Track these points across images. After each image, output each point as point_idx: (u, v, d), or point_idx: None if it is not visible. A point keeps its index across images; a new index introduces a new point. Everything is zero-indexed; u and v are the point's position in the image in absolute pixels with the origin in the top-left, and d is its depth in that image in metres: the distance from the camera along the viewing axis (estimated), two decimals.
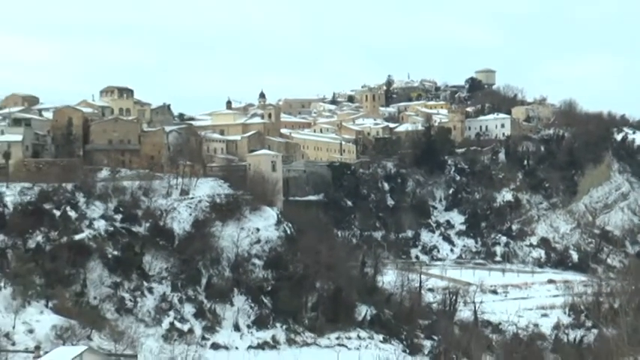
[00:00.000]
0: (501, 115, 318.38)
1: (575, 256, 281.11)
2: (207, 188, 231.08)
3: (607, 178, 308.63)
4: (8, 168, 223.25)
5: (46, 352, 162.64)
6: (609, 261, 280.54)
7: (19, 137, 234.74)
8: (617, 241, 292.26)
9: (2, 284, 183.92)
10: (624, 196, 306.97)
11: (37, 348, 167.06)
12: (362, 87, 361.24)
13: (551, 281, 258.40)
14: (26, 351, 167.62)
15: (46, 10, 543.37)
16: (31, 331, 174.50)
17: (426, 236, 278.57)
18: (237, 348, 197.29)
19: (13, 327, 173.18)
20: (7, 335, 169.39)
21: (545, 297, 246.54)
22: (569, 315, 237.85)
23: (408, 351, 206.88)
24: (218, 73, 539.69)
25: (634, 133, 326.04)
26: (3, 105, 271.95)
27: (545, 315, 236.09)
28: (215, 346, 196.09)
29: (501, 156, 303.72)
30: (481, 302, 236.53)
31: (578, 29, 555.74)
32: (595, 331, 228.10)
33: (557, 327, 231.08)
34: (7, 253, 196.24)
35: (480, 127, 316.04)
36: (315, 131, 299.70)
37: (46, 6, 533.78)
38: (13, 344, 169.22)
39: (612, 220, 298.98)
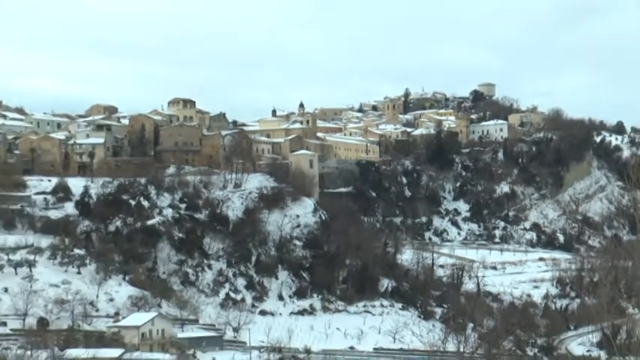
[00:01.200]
0: (500, 122, 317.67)
1: (561, 238, 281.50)
2: (256, 182, 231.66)
3: (588, 173, 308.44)
4: (93, 165, 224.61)
5: (124, 317, 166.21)
6: (590, 242, 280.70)
7: (102, 140, 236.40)
8: (596, 226, 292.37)
9: (88, 261, 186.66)
10: (602, 188, 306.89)
11: (117, 314, 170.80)
12: (384, 98, 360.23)
13: (541, 259, 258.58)
14: (107, 316, 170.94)
15: (127, 36, 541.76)
16: (111, 300, 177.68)
17: (437, 221, 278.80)
18: (280, 314, 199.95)
19: (97, 296, 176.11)
20: (91, 303, 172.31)
21: (536, 272, 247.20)
22: (556, 287, 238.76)
23: (422, 316, 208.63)
24: (265, 87, 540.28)
25: (610, 136, 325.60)
26: (88, 113, 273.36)
27: (536, 287, 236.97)
28: (262, 313, 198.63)
29: (500, 155, 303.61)
30: (483, 276, 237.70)
31: (561, 51, 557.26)
32: (578, 300, 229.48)
33: (546, 297, 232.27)
34: (91, 235, 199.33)
35: (482, 131, 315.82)
36: (345, 135, 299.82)
37: (128, 32, 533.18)
38: (97, 310, 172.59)
39: (592, 208, 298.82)
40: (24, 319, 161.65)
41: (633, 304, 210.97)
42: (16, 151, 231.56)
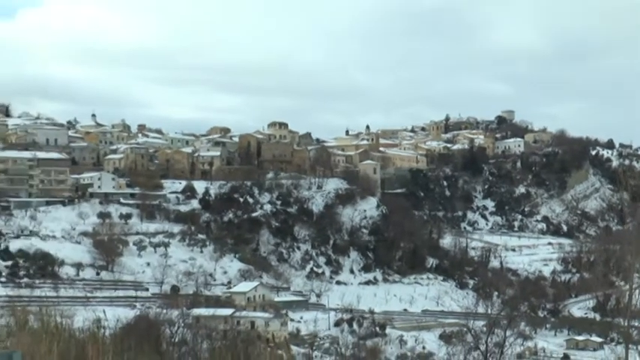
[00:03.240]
0: (518, 139, 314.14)
1: (565, 227, 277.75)
2: (333, 184, 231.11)
3: (586, 178, 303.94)
4: (212, 172, 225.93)
5: (234, 285, 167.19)
6: (587, 231, 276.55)
7: (218, 153, 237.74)
8: (592, 218, 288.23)
9: (208, 243, 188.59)
10: (597, 190, 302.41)
11: (229, 282, 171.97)
12: (430, 121, 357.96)
13: (549, 243, 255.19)
14: (222, 284, 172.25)
15: (237, 77, 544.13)
16: (225, 272, 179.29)
17: (470, 215, 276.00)
18: (351, 284, 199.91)
19: (215, 270, 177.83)
20: (210, 275, 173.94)
21: (545, 253, 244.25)
22: (561, 265, 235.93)
23: (458, 286, 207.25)
24: (340, 113, 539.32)
25: (603, 150, 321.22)
26: (208, 133, 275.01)
27: (545, 265, 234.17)
28: (338, 283, 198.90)
29: (518, 164, 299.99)
30: (505, 256, 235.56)
31: (562, 83, 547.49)
32: (578, 275, 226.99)
33: (553, 272, 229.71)
34: (210, 224, 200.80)
35: (505, 146, 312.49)
36: (400, 149, 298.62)
37: (238, 75, 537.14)
38: (215, 280, 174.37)
39: (589, 205, 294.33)
40: (161, 286, 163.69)
41: (620, 278, 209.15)
42: (156, 161, 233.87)
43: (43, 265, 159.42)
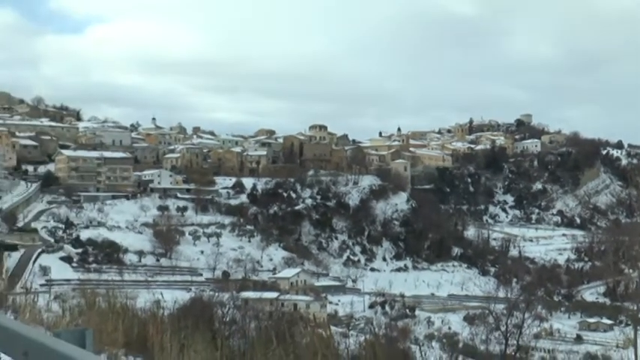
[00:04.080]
0: (535, 140, 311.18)
1: (578, 220, 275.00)
2: (367, 181, 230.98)
3: (597, 176, 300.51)
4: (259, 170, 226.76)
5: (279, 271, 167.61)
6: (598, 223, 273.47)
7: (264, 152, 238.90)
8: (603, 212, 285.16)
9: (255, 234, 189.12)
10: (607, 186, 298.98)
11: (274, 269, 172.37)
12: (455, 124, 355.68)
13: (564, 235, 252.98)
14: (268, 270, 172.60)
15: (282, 84, 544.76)
16: (270, 260, 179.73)
17: (491, 208, 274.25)
18: (384, 270, 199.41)
19: (261, 257, 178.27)
20: (257, 262, 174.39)
21: (560, 244, 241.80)
22: (574, 254, 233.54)
23: (481, 273, 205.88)
24: (374, 116, 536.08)
25: (613, 150, 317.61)
26: (256, 134, 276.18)
27: (560, 254, 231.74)
28: (372, 269, 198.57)
29: (535, 163, 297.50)
30: (523, 246, 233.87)
31: (577, 90, 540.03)
32: (590, 263, 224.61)
33: (567, 260, 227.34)
34: (258, 216, 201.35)
35: (523, 147, 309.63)
36: (428, 149, 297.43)
37: (283, 81, 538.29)
38: (261, 267, 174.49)
39: (600, 200, 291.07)
40: (213, 271, 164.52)
41: (629, 266, 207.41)
42: (209, 160, 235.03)
43: (110, 253, 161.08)
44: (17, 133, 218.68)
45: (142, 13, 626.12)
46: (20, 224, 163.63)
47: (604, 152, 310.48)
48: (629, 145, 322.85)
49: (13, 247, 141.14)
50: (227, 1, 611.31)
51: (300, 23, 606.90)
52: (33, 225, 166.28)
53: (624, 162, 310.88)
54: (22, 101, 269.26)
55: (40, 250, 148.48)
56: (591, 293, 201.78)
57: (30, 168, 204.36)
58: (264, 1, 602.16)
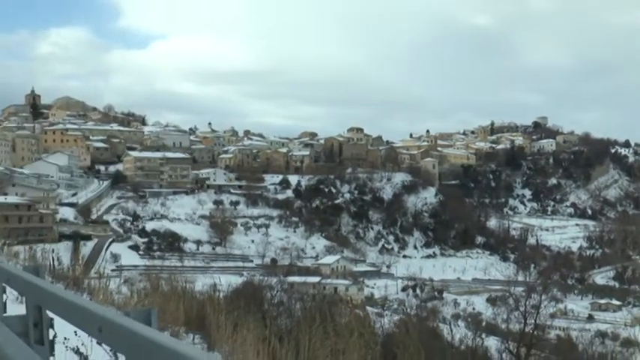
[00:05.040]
0: (551, 140, 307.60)
1: (589, 211, 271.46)
2: (400, 177, 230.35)
3: (607, 172, 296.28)
4: (303, 168, 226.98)
5: (321, 258, 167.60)
6: (608, 214, 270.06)
7: (308, 152, 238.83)
8: (612, 204, 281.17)
9: (300, 225, 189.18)
10: (616, 182, 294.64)
11: (317, 256, 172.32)
12: (478, 126, 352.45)
13: (577, 225, 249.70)
14: (311, 257, 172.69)
15: (324, 91, 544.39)
16: (313, 248, 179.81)
17: (511, 201, 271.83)
18: (415, 257, 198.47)
19: (305, 246, 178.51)
20: (302, 250, 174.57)
21: (574, 232, 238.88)
22: (586, 242, 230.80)
23: (502, 259, 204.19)
24: (405, 119, 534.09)
25: (621, 148, 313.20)
26: (300, 136, 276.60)
27: (573, 242, 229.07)
28: (404, 256, 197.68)
29: (551, 161, 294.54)
30: (540, 235, 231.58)
31: (588, 94, 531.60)
32: (600, 250, 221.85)
33: (580, 248, 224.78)
34: (302, 209, 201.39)
35: (539, 146, 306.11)
36: (454, 149, 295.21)
37: (325, 89, 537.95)
38: (305, 254, 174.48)
39: (610, 193, 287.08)
40: (263, 258, 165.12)
41: (636, 253, 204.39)
42: (258, 159, 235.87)
43: (171, 242, 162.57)
44: (91, 137, 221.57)
45: (197, 30, 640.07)
46: (94, 217, 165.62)
47: (613, 150, 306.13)
48: (636, 144, 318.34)
49: (88, 237, 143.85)
50: (272, 18, 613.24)
51: (338, 36, 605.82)
52: (105, 218, 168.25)
53: (631, 159, 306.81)
54: (94, 109, 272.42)
55: (111, 239, 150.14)
56: (602, 277, 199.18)
57: (102, 167, 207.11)
58: (305, 20, 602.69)
